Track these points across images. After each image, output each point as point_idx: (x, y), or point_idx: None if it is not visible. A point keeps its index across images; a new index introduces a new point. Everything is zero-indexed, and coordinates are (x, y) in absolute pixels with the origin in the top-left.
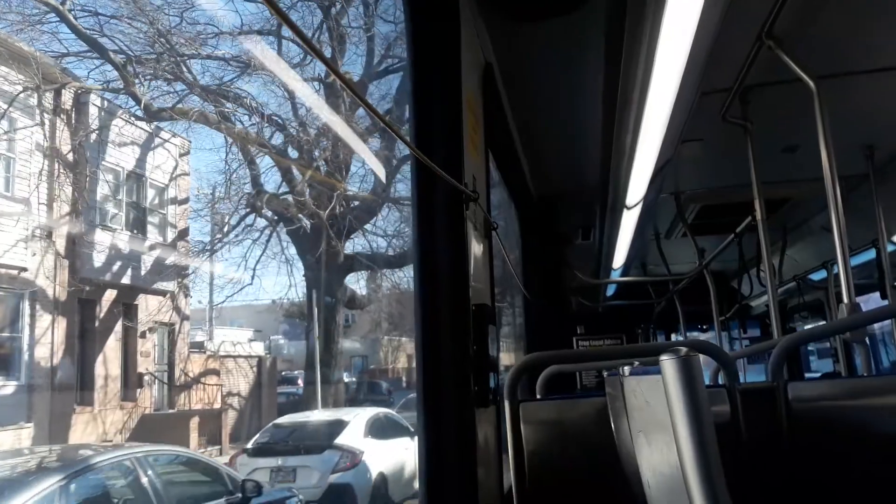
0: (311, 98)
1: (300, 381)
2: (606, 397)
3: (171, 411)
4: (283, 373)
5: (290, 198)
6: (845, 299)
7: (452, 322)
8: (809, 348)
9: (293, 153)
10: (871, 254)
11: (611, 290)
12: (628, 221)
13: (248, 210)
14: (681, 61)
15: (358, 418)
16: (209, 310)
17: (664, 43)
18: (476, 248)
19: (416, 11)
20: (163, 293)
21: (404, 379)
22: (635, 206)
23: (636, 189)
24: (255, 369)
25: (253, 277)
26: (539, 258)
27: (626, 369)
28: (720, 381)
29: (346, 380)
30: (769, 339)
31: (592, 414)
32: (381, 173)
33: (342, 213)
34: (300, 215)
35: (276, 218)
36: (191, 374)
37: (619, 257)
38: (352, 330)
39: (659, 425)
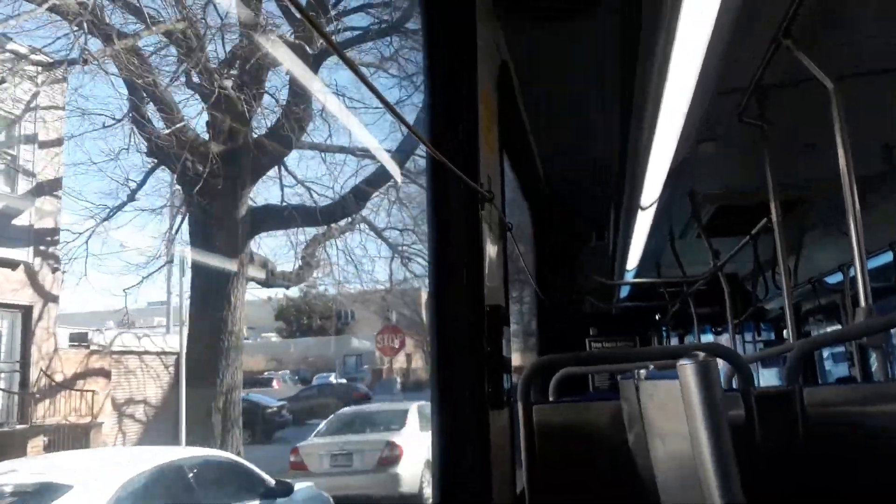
0: None
1: (276, 383)
2: (621, 401)
3: (18, 427)
4: (267, 373)
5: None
6: (862, 303)
7: (467, 323)
8: (824, 352)
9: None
10: (888, 256)
11: (624, 292)
12: (643, 222)
13: (153, 162)
14: (697, 61)
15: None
16: (168, 301)
17: (680, 42)
18: (491, 248)
19: (432, 9)
20: (10, 264)
21: (399, 380)
22: (650, 206)
23: (651, 189)
24: (170, 369)
25: (171, 254)
26: (553, 259)
27: (642, 373)
28: (734, 385)
29: (333, 380)
30: (783, 342)
31: (606, 417)
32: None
33: (243, 148)
34: (187, 155)
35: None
36: (60, 376)
37: (633, 259)
38: (351, 327)
39: (675, 430)
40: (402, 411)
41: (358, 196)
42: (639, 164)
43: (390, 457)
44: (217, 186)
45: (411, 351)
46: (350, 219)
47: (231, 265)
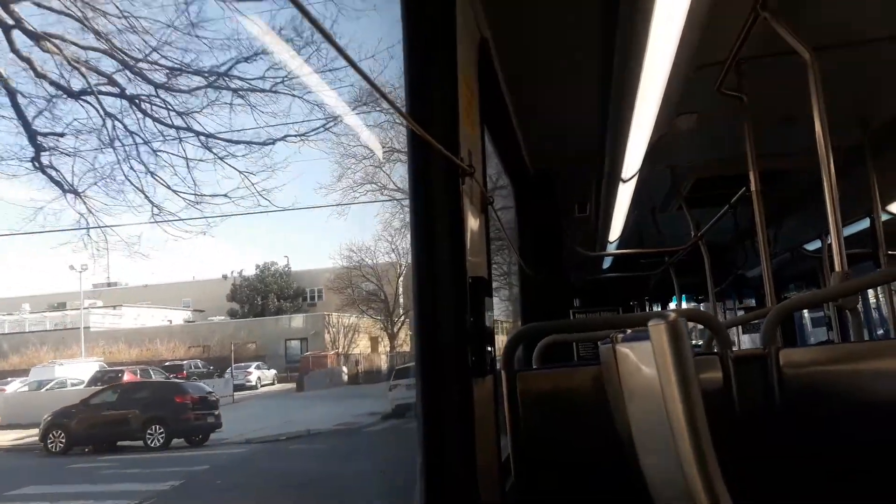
0: None
1: (127, 376)
2: (601, 365)
3: None
4: (186, 362)
5: None
6: (837, 267)
7: (449, 294)
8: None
9: None
10: (865, 223)
11: (607, 263)
12: (624, 195)
13: None
14: (676, 34)
15: None
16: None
17: (659, 15)
18: (472, 221)
19: None
20: None
21: (345, 370)
22: (631, 179)
23: (632, 162)
24: None
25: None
26: (535, 231)
27: (619, 336)
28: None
29: (253, 371)
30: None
31: (587, 382)
32: None
33: None
34: None
35: None
36: None
37: (616, 230)
38: (318, 308)
39: (649, 389)
40: None
41: None
42: (620, 137)
43: None
44: None
45: (378, 334)
46: None
47: None
